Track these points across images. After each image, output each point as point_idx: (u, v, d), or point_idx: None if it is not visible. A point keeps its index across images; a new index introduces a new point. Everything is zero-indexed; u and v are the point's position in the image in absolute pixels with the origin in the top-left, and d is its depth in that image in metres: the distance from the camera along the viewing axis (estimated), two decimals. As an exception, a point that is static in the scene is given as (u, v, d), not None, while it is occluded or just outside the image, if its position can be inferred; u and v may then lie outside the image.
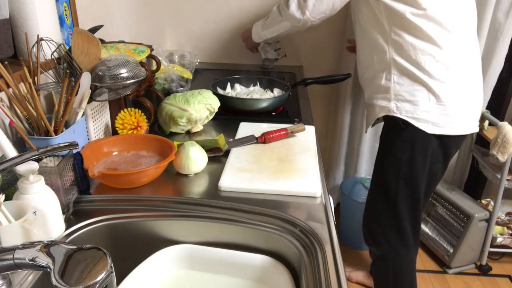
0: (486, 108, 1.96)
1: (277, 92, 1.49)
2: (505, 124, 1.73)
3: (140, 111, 1.08)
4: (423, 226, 2.12)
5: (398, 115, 1.29)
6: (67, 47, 0.98)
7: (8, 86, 0.82)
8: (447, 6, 1.21)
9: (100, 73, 0.96)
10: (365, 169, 2.22)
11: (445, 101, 1.25)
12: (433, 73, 1.23)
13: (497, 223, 1.99)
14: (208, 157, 1.00)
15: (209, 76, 1.80)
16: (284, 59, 2.00)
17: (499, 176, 1.84)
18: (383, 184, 1.41)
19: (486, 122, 1.88)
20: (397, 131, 1.32)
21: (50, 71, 0.97)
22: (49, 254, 0.46)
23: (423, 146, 1.30)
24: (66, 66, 0.95)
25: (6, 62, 0.82)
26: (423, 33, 1.21)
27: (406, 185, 1.36)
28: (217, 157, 1.05)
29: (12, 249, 0.48)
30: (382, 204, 1.44)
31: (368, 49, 1.36)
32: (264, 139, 1.12)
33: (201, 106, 1.15)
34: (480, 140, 2.01)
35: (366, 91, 1.45)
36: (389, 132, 1.38)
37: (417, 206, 1.39)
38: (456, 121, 1.27)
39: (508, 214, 2.07)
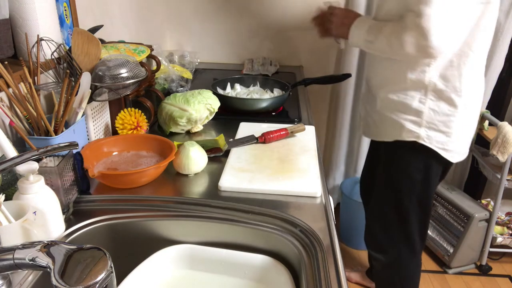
0: (486, 108, 1.96)
1: (277, 92, 1.49)
2: (505, 124, 1.73)
3: (140, 111, 1.08)
4: (423, 226, 2.12)
5: (428, 145, 1.19)
6: (67, 47, 0.98)
7: (8, 86, 0.82)
8: (486, 47, 1.16)
9: (100, 73, 0.96)
10: (365, 169, 2.21)
11: (470, 130, 1.22)
12: (469, 101, 1.16)
13: (497, 223, 1.99)
14: (208, 157, 1.00)
15: (209, 76, 1.80)
16: (284, 59, 2.00)
17: (499, 176, 1.84)
18: (394, 200, 1.33)
19: (486, 122, 1.88)
20: (415, 152, 1.24)
21: (50, 71, 0.97)
22: (49, 254, 0.46)
23: (438, 167, 1.25)
24: (66, 66, 0.95)
25: (6, 62, 0.82)
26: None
27: (419, 202, 1.30)
28: (217, 157, 1.05)
29: (12, 249, 0.48)
30: (391, 217, 1.37)
31: (401, 62, 1.17)
32: (264, 139, 1.12)
33: (201, 106, 1.15)
34: (480, 140, 2.01)
35: (383, 102, 1.26)
36: (404, 150, 1.26)
37: (427, 218, 1.35)
38: (469, 145, 1.26)
39: (508, 214, 2.07)
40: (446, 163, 1.25)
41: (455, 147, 1.21)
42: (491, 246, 1.97)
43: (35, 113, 0.84)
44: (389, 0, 1.14)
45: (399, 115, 1.21)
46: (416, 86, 1.16)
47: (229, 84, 1.52)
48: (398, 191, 1.31)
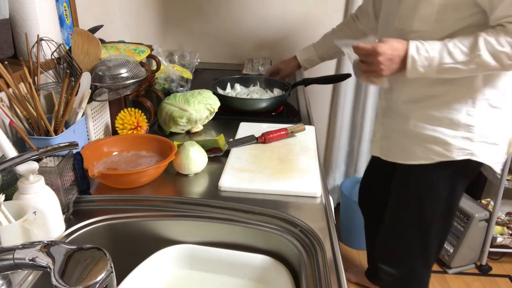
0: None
1: (277, 92, 1.49)
2: (505, 124, 1.73)
3: (140, 111, 1.08)
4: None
5: (482, 161, 1.08)
6: (67, 47, 0.98)
7: (8, 86, 0.82)
8: None
9: (100, 73, 0.96)
10: (364, 169, 2.21)
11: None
12: None
13: (497, 223, 1.99)
14: (208, 157, 1.00)
15: (209, 76, 1.80)
16: (284, 59, 2.00)
17: (499, 176, 1.84)
18: (415, 216, 1.24)
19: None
20: (441, 167, 1.11)
21: (50, 71, 0.97)
22: (49, 254, 0.46)
23: (465, 180, 1.17)
24: (66, 66, 0.95)
25: (6, 62, 0.82)
26: None
27: (442, 218, 1.22)
28: (217, 157, 1.05)
29: (12, 249, 0.48)
30: (410, 232, 1.28)
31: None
32: (264, 139, 1.12)
33: (201, 106, 1.15)
34: (480, 140, 2.01)
35: (419, 119, 1.11)
36: (429, 165, 1.14)
37: (447, 232, 1.28)
38: None
39: (508, 214, 2.07)
40: (473, 175, 1.17)
41: (502, 157, 1.11)
42: (491, 246, 1.97)
43: (35, 113, 0.84)
44: (424, 4, 0.99)
45: (446, 132, 1.07)
46: (461, 98, 1.04)
47: (229, 84, 1.52)
48: (419, 206, 1.21)
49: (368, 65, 1.01)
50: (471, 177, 1.17)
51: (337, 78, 1.69)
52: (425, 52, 0.96)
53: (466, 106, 1.04)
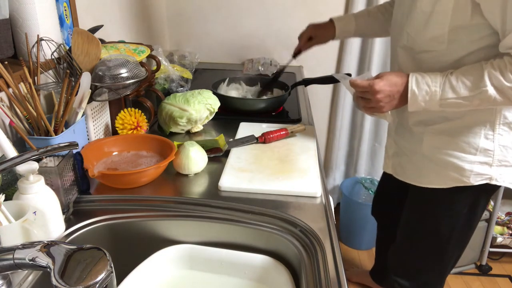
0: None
1: (277, 92, 1.49)
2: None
3: (140, 111, 1.08)
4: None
5: (500, 184, 1.03)
6: (67, 47, 0.98)
7: (8, 86, 0.82)
8: None
9: (100, 73, 0.96)
10: (365, 169, 2.22)
11: None
12: None
13: (497, 223, 1.99)
14: (208, 157, 1.00)
15: (209, 76, 1.80)
16: (284, 59, 2.00)
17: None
18: (432, 232, 1.18)
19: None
20: (464, 189, 1.06)
21: (50, 71, 0.98)
22: (49, 254, 0.46)
23: (486, 198, 1.12)
24: (66, 66, 0.95)
25: (6, 62, 0.82)
26: None
27: (461, 233, 1.17)
28: (217, 157, 1.05)
29: (12, 249, 0.48)
30: (427, 247, 1.23)
31: None
32: (264, 139, 1.12)
33: (201, 106, 1.15)
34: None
35: (432, 142, 1.06)
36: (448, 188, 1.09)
37: (465, 245, 1.23)
38: None
39: (508, 214, 2.07)
40: (494, 192, 1.11)
41: None
42: (491, 246, 1.96)
43: (35, 113, 0.84)
44: (434, 25, 0.93)
45: (462, 157, 1.01)
46: (479, 121, 0.98)
47: (229, 83, 1.52)
48: (436, 224, 1.16)
49: (367, 101, 0.97)
50: (492, 193, 1.12)
51: (337, 78, 1.68)
52: (425, 86, 0.92)
53: (484, 129, 0.99)
